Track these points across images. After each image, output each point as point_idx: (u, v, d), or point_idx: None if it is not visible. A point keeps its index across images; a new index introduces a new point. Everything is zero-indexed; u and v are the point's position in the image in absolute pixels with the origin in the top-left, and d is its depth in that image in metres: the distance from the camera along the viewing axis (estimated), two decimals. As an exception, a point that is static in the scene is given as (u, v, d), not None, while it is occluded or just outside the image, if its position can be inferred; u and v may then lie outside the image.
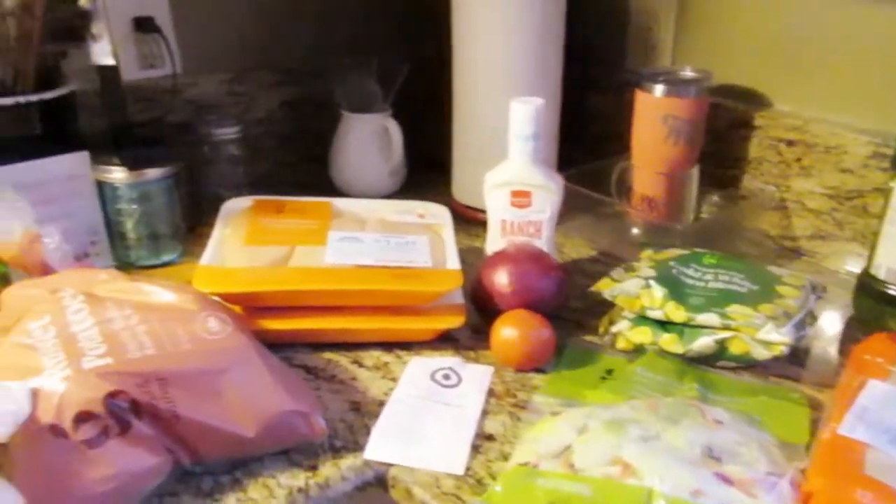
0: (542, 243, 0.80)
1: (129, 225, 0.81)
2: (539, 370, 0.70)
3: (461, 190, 1.01)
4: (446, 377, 0.69)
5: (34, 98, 0.74)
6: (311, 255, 0.73)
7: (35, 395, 0.51)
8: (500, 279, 0.73)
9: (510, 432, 0.62)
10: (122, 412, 0.52)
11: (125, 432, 0.52)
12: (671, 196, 0.94)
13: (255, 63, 1.05)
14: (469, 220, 0.97)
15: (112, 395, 0.51)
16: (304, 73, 1.09)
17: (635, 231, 0.96)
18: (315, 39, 1.10)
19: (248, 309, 0.69)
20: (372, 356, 0.72)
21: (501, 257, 0.75)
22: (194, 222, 0.92)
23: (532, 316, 0.70)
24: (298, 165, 1.12)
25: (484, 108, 0.93)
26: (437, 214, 0.84)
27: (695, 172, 0.93)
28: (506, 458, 0.59)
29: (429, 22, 1.09)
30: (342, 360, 0.72)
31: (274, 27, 1.06)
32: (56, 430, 0.50)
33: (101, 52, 0.77)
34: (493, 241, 0.82)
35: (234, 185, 1.00)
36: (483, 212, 0.97)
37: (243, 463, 0.58)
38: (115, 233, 0.81)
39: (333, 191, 1.08)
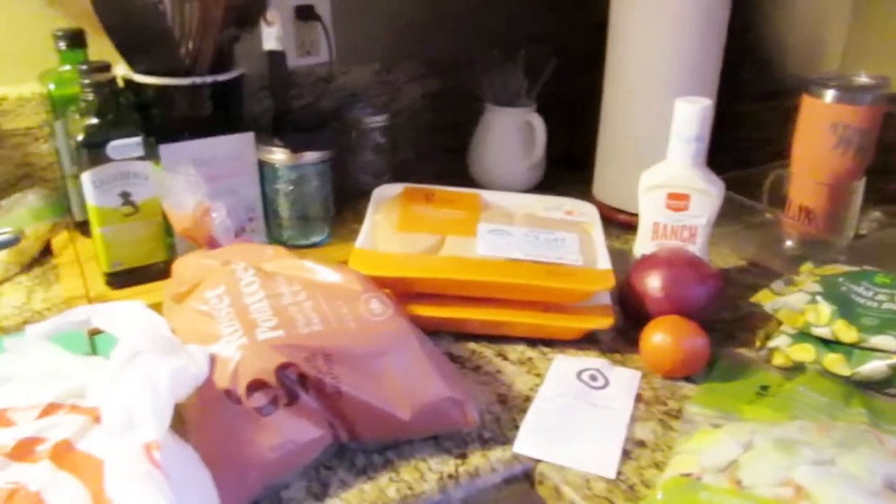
0: (696, 249, 0.77)
1: (284, 205, 0.84)
2: (689, 379, 0.68)
3: (603, 189, 0.99)
4: (593, 378, 0.67)
5: (209, 80, 0.77)
6: (461, 246, 0.73)
7: (213, 360, 0.53)
8: (653, 283, 0.71)
9: (662, 440, 0.60)
10: (291, 384, 0.53)
11: (293, 403, 0.53)
12: (832, 208, 0.88)
13: (404, 54, 1.07)
14: (609, 221, 0.95)
15: (283, 367, 0.53)
16: (450, 65, 1.10)
17: (789, 243, 0.91)
18: (463, 31, 1.10)
19: (398, 294, 0.70)
20: (516, 350, 0.72)
21: (655, 261, 0.73)
22: (337, 206, 0.94)
23: (686, 323, 0.67)
24: (436, 155, 1.13)
25: (637, 106, 0.90)
26: (586, 213, 0.82)
27: (860, 185, 0.88)
28: (658, 466, 0.57)
29: (580, 13, 1.07)
30: (486, 351, 0.71)
31: (424, 18, 1.07)
32: (231, 396, 0.52)
33: (273, 38, 0.80)
34: (643, 244, 0.79)
35: (375, 171, 1.03)
36: (625, 213, 0.95)
37: (394, 444, 0.59)
38: (269, 211, 0.85)
39: (470, 182, 1.08)
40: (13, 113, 0.85)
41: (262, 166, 0.82)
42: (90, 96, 0.69)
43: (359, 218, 0.92)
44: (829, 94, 0.83)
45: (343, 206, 0.94)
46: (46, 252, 0.85)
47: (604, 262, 0.73)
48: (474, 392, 0.65)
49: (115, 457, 0.44)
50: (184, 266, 0.66)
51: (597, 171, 1.00)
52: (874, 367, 0.64)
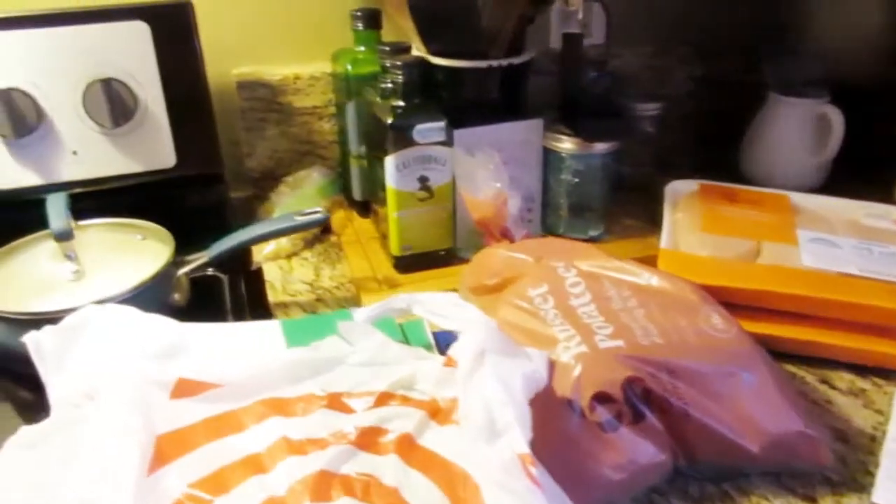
0: None
1: (564, 196, 0.80)
2: None
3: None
4: (950, 422, 0.57)
5: (504, 63, 0.74)
6: (782, 254, 0.65)
7: (551, 365, 0.50)
8: None
9: None
10: (636, 400, 0.49)
11: (638, 422, 0.49)
12: None
13: (678, 36, 0.99)
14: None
15: (630, 381, 0.49)
16: (726, 49, 1.00)
17: None
18: (744, 14, 1.00)
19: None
20: (843, 378, 0.63)
21: None
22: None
23: None
24: (697, 146, 1.04)
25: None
26: (921, 224, 0.71)
27: None
28: None
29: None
30: (807, 376, 0.63)
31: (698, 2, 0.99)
32: (573, 406, 0.48)
33: (571, 19, 0.75)
34: None
35: (638, 162, 0.96)
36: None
37: (731, 475, 0.53)
38: (548, 202, 0.81)
39: (741, 178, 0.98)
40: (304, 91, 0.87)
41: (547, 154, 0.78)
42: (399, 78, 0.68)
43: (628, 211, 0.87)
44: None
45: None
46: (325, 229, 0.86)
47: (959, 285, 0.62)
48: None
49: (484, 467, 0.41)
50: (490, 258, 0.63)
51: (905, 174, 0.87)
52: None
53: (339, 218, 0.86)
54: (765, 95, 0.95)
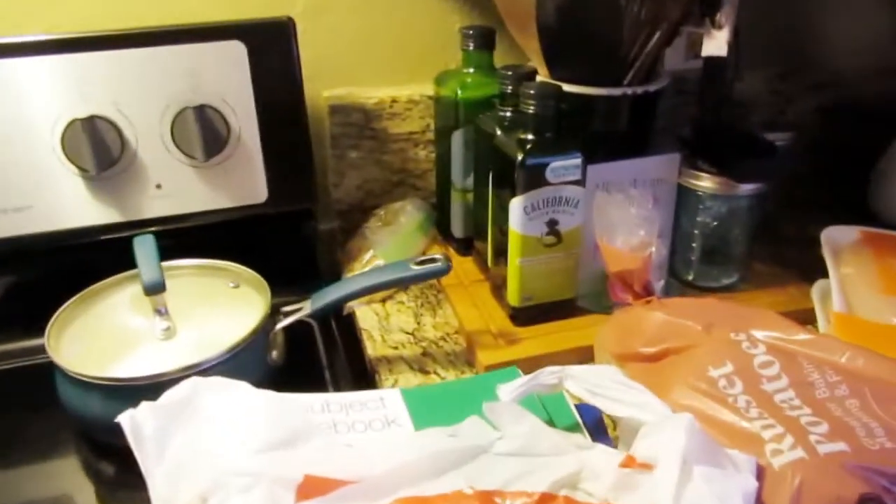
0: None
1: (699, 239, 0.70)
2: None
3: None
4: None
5: (640, 90, 0.65)
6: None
7: (761, 472, 0.41)
8: None
9: None
10: (872, 521, 0.39)
11: (874, 550, 0.39)
12: None
13: (805, 58, 0.90)
14: None
15: (865, 500, 0.39)
16: (859, 73, 0.91)
17: None
18: (878, 33, 0.91)
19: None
20: None
21: None
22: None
23: None
24: (824, 180, 0.95)
25: None
26: None
27: None
28: None
29: None
30: None
31: (828, 17, 0.89)
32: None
33: (717, 42, 0.66)
34: None
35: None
36: None
37: None
38: (678, 245, 0.72)
39: (868, 219, 0.88)
40: (401, 116, 0.79)
41: (682, 193, 0.69)
42: (531, 108, 0.59)
43: (756, 254, 0.78)
44: None
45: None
46: (420, 268, 0.78)
47: None
48: None
49: None
50: (643, 321, 0.55)
51: None
52: None
53: (436, 256, 0.78)
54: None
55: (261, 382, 0.57)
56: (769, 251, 0.78)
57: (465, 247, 0.77)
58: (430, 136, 0.80)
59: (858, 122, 0.92)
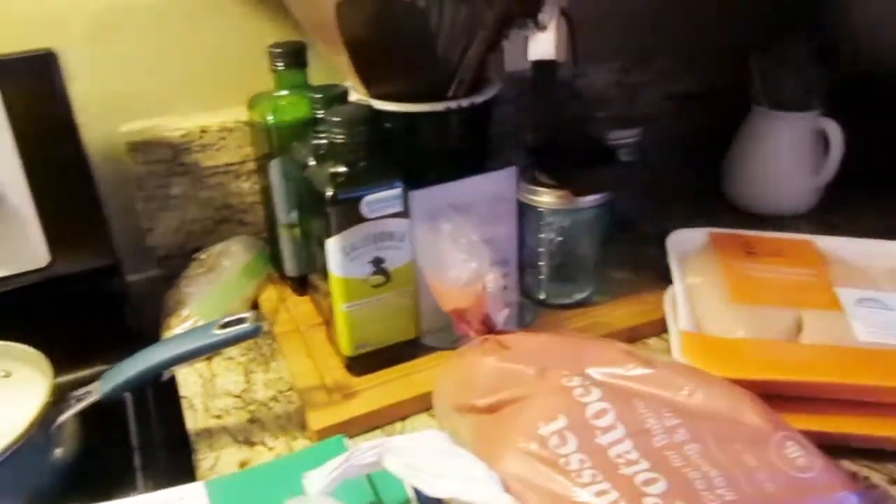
0: None
1: (546, 256, 0.66)
2: None
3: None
4: None
5: (465, 103, 0.60)
6: (828, 326, 0.53)
7: (594, 552, 0.36)
8: None
9: None
10: None
11: None
12: None
13: (650, 47, 0.87)
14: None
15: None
16: (709, 59, 0.88)
17: None
18: (724, 16, 0.88)
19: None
20: (914, 473, 0.51)
21: None
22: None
23: None
24: (684, 170, 0.92)
25: None
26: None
27: None
28: None
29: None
30: (873, 475, 0.51)
31: (674, 3, 0.87)
32: None
33: (543, 45, 0.61)
34: None
35: (618, 195, 0.83)
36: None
37: None
38: (526, 264, 0.67)
39: (727, 205, 0.87)
40: (214, 147, 0.70)
41: (523, 210, 0.64)
42: (340, 136, 0.52)
43: (617, 262, 0.74)
44: None
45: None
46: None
47: None
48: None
49: None
50: (476, 368, 0.49)
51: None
52: None
53: (269, 299, 0.70)
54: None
55: (44, 488, 0.49)
56: (627, 253, 0.75)
57: (301, 286, 0.69)
58: (253, 165, 0.72)
59: (709, 107, 0.90)
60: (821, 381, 0.49)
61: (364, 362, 0.59)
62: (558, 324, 0.65)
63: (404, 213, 0.55)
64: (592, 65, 0.85)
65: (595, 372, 0.46)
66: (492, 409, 0.46)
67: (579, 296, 0.68)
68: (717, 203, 0.87)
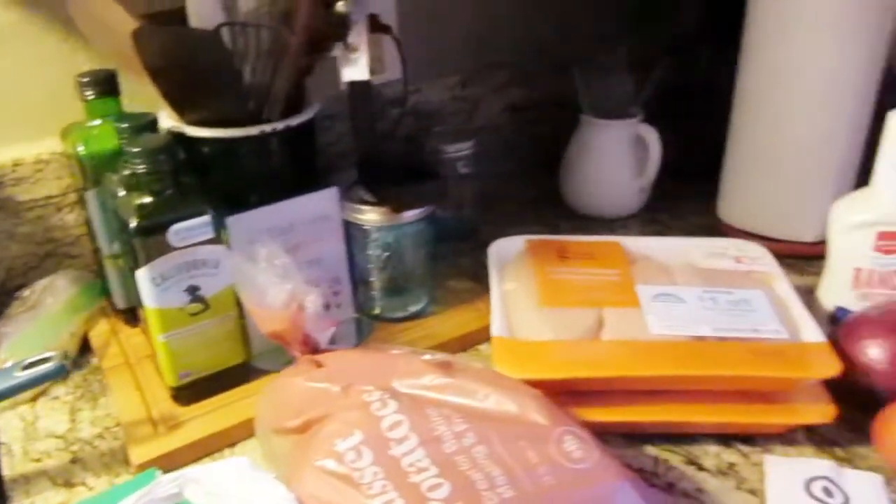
0: (910, 299, 0.61)
1: (376, 272, 0.67)
2: (946, 480, 0.52)
3: (735, 208, 0.82)
4: (827, 493, 0.51)
5: (280, 126, 0.60)
6: (626, 322, 0.57)
7: (376, 561, 0.37)
8: (879, 353, 0.55)
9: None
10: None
11: None
12: None
13: (483, 62, 0.90)
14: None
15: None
16: (539, 72, 0.93)
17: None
18: (555, 29, 0.93)
19: (546, 393, 0.53)
20: (708, 453, 0.56)
21: (877, 323, 0.57)
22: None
23: (943, 411, 0.52)
24: (524, 178, 0.96)
25: (788, 105, 0.73)
26: (758, 258, 0.66)
27: None
28: None
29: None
30: (672, 458, 0.56)
31: (507, 18, 0.90)
32: None
33: (355, 66, 0.63)
34: (838, 294, 0.63)
35: (458, 206, 0.86)
36: (765, 239, 0.79)
37: None
38: (358, 280, 0.68)
39: (566, 209, 0.92)
40: (30, 179, 0.68)
41: (350, 228, 0.65)
42: (141, 166, 0.52)
43: (454, 272, 0.76)
44: None
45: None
46: (85, 348, 0.68)
47: (811, 332, 0.57)
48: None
49: None
50: (288, 390, 0.50)
51: (725, 188, 0.83)
52: None
53: (100, 333, 0.68)
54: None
55: None
56: (464, 263, 0.77)
57: (133, 317, 0.68)
58: (74, 196, 0.70)
59: (545, 118, 0.94)
60: (615, 375, 0.53)
61: (191, 391, 0.59)
62: (392, 337, 0.67)
63: (216, 240, 0.55)
64: (428, 81, 0.87)
65: (400, 384, 0.48)
66: (301, 429, 0.47)
67: (414, 308, 0.70)
68: (557, 209, 0.92)
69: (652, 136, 0.85)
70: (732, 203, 0.83)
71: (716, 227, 0.83)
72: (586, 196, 0.90)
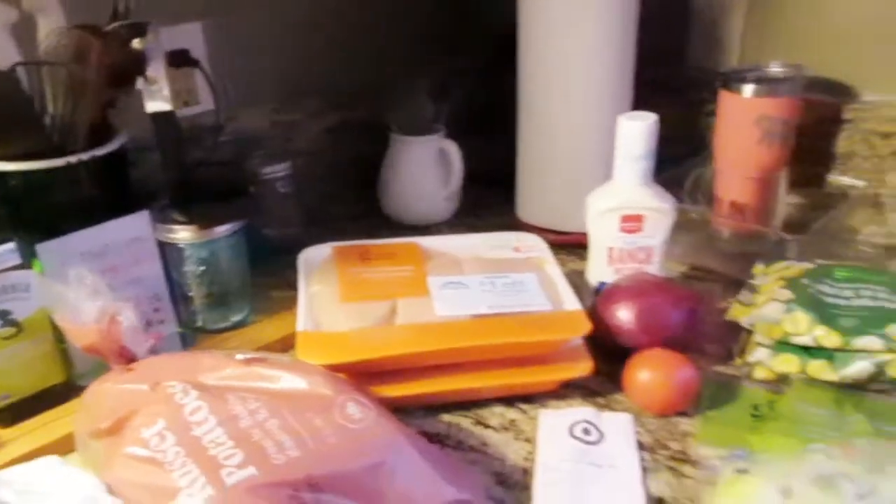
0: (653, 270, 0.73)
1: (195, 287, 0.72)
2: (682, 413, 0.64)
3: (529, 208, 0.94)
4: (586, 432, 0.62)
5: (86, 157, 0.65)
6: (417, 309, 0.65)
7: (176, 524, 0.43)
8: (626, 316, 0.67)
9: (681, 493, 0.56)
10: (283, 533, 0.44)
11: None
12: (762, 201, 0.88)
13: (298, 89, 0.97)
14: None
15: (267, 515, 0.43)
16: (351, 96, 1.01)
17: (723, 241, 0.90)
18: (361, 58, 1.01)
19: (355, 375, 0.61)
20: (494, 414, 0.65)
21: (622, 291, 0.69)
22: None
23: (671, 355, 0.64)
24: (347, 195, 1.04)
25: (556, 116, 0.86)
26: (534, 246, 0.77)
27: (784, 174, 0.88)
28: (691, 526, 0.53)
29: (479, 21, 1.02)
30: (463, 421, 0.64)
31: (316, 49, 0.98)
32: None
33: (157, 98, 0.68)
34: (598, 271, 0.75)
35: (282, 223, 0.92)
36: (555, 232, 0.90)
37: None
38: (178, 296, 0.73)
39: (385, 221, 1.00)
40: None
41: (164, 247, 0.70)
42: (-61, 202, 0.55)
43: (277, 283, 0.82)
44: (750, 89, 0.82)
45: (253, 270, 0.82)
46: None
47: (571, 303, 0.68)
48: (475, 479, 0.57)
49: None
50: (100, 395, 0.54)
51: (520, 190, 0.95)
52: (860, 367, 0.63)
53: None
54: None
55: None
56: (286, 274, 0.83)
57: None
58: None
59: (362, 137, 1.02)
60: (404, 352, 0.61)
61: (11, 413, 0.61)
62: (216, 346, 0.71)
63: (25, 265, 0.59)
64: (244, 109, 0.93)
65: (205, 378, 0.53)
66: (113, 429, 0.52)
67: (236, 318, 0.76)
68: (377, 220, 1.00)
69: (453, 150, 0.95)
70: (526, 203, 0.94)
71: (515, 226, 0.94)
72: (402, 208, 0.98)
